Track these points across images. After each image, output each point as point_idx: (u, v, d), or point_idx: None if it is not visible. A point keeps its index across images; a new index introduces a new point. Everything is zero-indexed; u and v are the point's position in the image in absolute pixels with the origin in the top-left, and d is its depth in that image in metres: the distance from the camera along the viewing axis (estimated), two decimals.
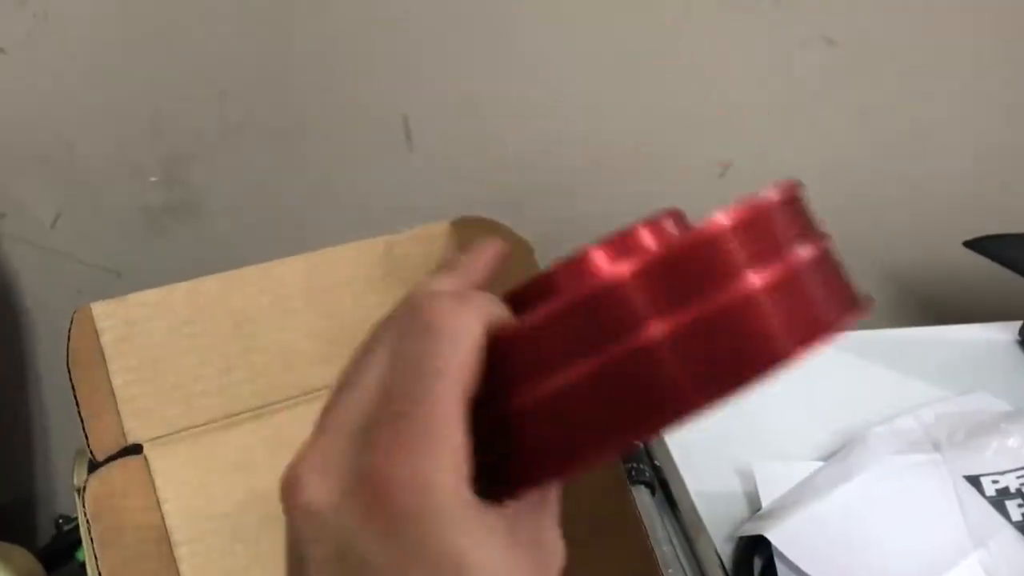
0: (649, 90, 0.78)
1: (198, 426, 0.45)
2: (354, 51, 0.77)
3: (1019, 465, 0.60)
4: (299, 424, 0.46)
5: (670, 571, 0.57)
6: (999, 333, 0.75)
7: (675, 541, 0.60)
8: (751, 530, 0.59)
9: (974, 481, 0.60)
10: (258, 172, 0.83)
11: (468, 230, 0.49)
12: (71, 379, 0.43)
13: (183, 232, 0.85)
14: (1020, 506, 0.59)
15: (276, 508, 0.46)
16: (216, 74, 0.77)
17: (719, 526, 0.60)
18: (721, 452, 0.64)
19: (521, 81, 0.78)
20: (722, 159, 0.81)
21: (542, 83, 0.78)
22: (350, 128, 0.81)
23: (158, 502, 0.44)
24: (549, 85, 0.78)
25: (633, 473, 0.61)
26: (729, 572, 0.58)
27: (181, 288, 0.46)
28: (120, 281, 0.87)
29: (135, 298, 0.45)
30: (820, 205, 0.91)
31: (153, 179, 0.82)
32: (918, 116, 0.79)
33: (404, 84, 0.78)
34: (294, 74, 0.78)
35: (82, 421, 0.43)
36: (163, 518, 0.44)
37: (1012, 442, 0.61)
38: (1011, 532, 0.58)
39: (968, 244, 0.70)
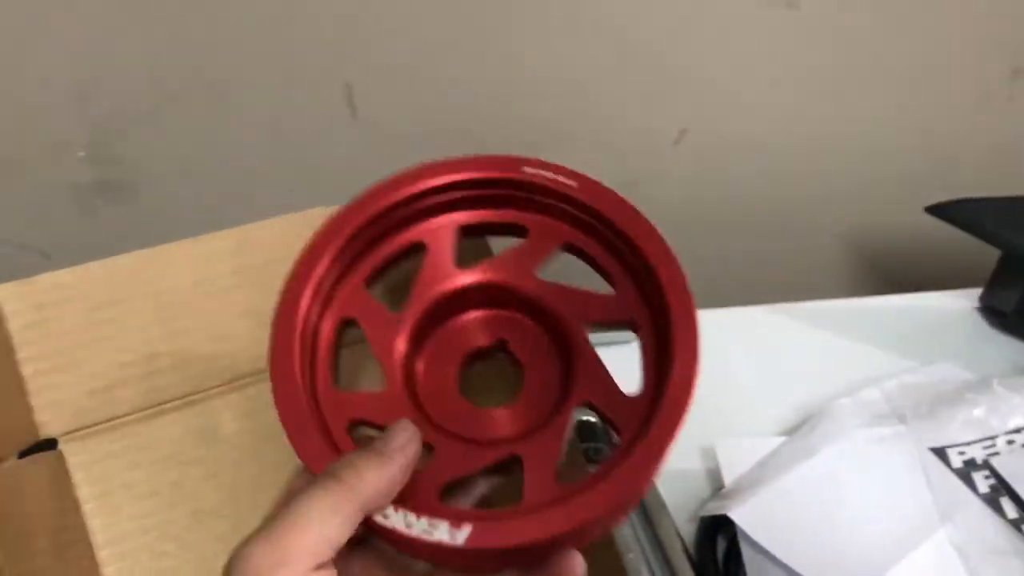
0: (602, 53, 0.75)
1: (120, 417, 0.42)
2: (294, 17, 0.73)
3: (985, 436, 0.59)
4: (230, 413, 0.43)
5: (631, 555, 0.55)
6: (959, 301, 0.74)
7: (636, 523, 0.58)
8: (713, 510, 0.57)
9: (940, 453, 0.59)
10: (195, 145, 0.79)
11: None
12: None
13: (115, 210, 0.81)
14: (987, 478, 0.57)
15: (206, 504, 0.43)
16: (147, 41, 0.73)
17: (681, 506, 0.58)
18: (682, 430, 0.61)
19: (468, 48, 0.74)
20: (678, 126, 0.79)
21: (490, 49, 0.75)
22: (292, 98, 0.77)
23: (77, 501, 0.40)
24: (498, 50, 0.75)
25: (592, 453, 0.58)
26: (692, 554, 0.56)
27: (97, 267, 0.42)
28: (50, 263, 0.82)
29: (45, 279, 0.42)
30: (777, 172, 0.89)
31: (81, 154, 0.78)
32: (875, 82, 0.77)
33: (347, 52, 0.75)
34: (232, 43, 0.74)
35: None
36: (83, 519, 0.40)
37: (977, 412, 0.60)
38: (978, 505, 0.56)
39: (931, 210, 0.68)
